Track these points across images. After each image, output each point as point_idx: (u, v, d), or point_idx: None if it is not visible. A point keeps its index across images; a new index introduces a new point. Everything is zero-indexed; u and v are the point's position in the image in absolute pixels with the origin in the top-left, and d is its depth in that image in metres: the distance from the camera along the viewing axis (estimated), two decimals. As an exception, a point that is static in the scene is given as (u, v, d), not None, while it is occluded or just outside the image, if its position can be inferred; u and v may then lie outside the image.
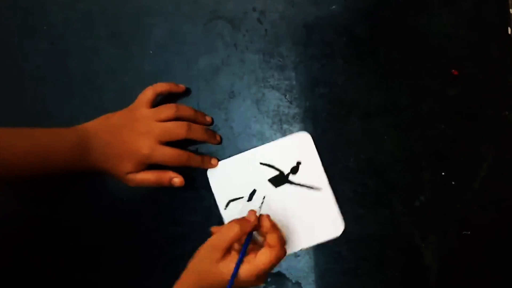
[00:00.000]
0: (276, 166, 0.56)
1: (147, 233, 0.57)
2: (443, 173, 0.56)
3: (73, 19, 0.58)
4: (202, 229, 0.56)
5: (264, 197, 0.55)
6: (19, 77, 0.59)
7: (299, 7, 0.57)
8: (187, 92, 0.57)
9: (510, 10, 0.57)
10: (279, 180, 0.56)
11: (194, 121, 0.55)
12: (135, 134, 0.51)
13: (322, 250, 0.56)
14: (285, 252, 0.48)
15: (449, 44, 0.56)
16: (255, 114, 0.57)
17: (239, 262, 0.45)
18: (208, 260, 0.46)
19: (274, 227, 0.49)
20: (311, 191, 0.55)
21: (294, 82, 0.57)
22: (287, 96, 0.57)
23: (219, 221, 0.56)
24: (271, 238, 0.47)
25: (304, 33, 0.57)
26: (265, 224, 0.49)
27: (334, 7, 0.57)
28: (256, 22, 0.58)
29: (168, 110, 0.53)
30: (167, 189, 0.57)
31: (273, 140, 0.56)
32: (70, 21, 0.58)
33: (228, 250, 0.46)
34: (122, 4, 0.58)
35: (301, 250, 0.55)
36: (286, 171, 0.56)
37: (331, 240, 0.55)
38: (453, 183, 0.56)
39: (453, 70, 0.56)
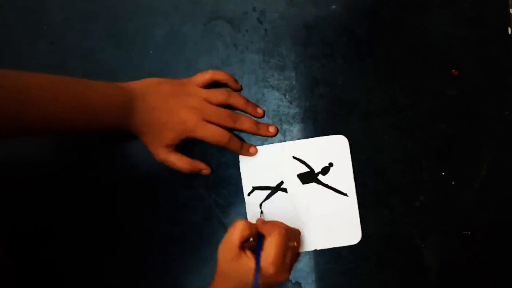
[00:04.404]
0: (308, 163, 0.56)
1: (147, 233, 0.57)
2: (443, 173, 0.56)
3: (73, 19, 0.58)
4: (202, 229, 0.56)
5: (262, 211, 0.55)
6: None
7: (299, 7, 0.57)
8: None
9: (510, 10, 0.57)
10: (308, 177, 0.56)
11: (244, 110, 0.55)
12: (184, 106, 0.51)
13: (322, 250, 0.56)
14: (285, 229, 0.48)
15: (449, 44, 0.57)
16: (255, 114, 0.57)
17: (258, 256, 0.46)
18: (225, 260, 0.47)
19: (262, 221, 0.51)
20: (337, 195, 0.55)
21: (294, 82, 0.57)
22: (287, 96, 0.57)
23: (219, 221, 0.56)
24: (266, 230, 0.48)
25: (304, 33, 0.57)
26: (258, 222, 0.51)
27: (334, 7, 0.57)
28: (256, 22, 0.58)
29: (220, 95, 0.53)
30: (167, 189, 0.57)
31: (273, 140, 0.56)
32: (70, 21, 0.58)
33: (242, 249, 0.47)
34: (122, 4, 0.58)
35: (315, 250, 0.55)
36: (316, 170, 0.56)
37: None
38: (453, 183, 0.56)
39: (453, 70, 0.56)
